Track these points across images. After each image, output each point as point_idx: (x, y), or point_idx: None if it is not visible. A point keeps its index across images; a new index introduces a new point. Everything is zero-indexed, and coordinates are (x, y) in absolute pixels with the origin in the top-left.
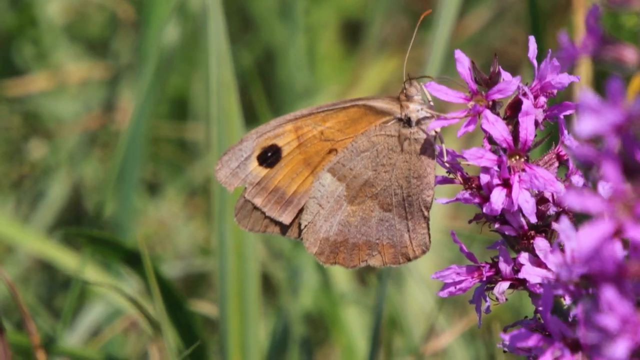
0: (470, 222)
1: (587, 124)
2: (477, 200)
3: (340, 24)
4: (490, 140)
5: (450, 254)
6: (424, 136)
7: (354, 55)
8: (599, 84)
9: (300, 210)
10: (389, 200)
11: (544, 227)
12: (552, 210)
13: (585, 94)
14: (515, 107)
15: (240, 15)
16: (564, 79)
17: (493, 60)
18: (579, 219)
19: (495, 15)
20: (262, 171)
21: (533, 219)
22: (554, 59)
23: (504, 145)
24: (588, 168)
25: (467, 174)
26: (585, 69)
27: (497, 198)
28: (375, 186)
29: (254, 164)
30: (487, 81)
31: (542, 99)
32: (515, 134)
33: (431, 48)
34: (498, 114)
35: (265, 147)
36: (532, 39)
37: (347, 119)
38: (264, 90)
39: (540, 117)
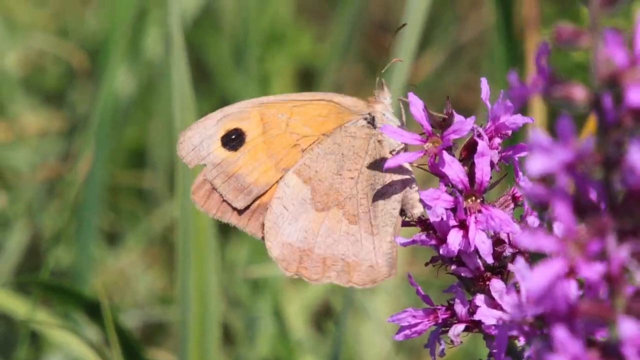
0: (427, 264)
1: (537, 163)
2: (433, 242)
3: (294, 72)
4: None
5: (408, 300)
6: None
7: None
8: (553, 124)
9: (256, 200)
10: (354, 210)
11: (500, 268)
12: (508, 251)
13: (535, 133)
14: (470, 149)
15: (196, 65)
16: (518, 119)
17: (446, 103)
18: (535, 259)
19: (449, 60)
20: (224, 153)
21: (489, 260)
22: (506, 100)
23: (460, 186)
24: (543, 208)
25: (423, 216)
26: (539, 109)
27: (454, 239)
28: (340, 192)
29: (216, 144)
30: (441, 124)
31: (497, 140)
32: (470, 175)
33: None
34: (453, 156)
35: (229, 129)
36: (484, 81)
37: (315, 114)
38: None
39: (496, 158)
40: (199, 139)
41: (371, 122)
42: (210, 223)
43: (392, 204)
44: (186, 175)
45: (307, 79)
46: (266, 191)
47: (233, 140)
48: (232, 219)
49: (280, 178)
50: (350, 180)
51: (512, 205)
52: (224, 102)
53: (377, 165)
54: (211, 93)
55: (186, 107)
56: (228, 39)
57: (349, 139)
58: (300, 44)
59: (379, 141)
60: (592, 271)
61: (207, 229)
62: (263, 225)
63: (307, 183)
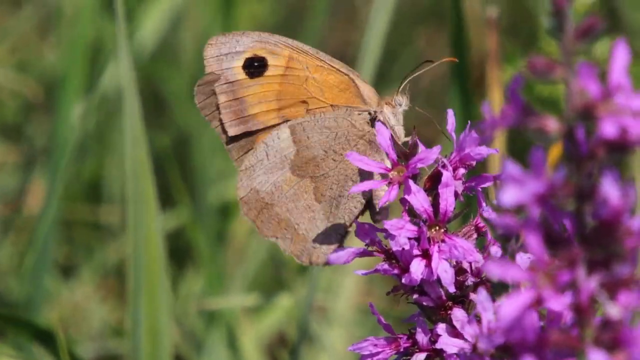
0: (388, 293)
1: (509, 194)
2: (396, 271)
3: None
4: (410, 211)
5: (363, 332)
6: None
7: None
8: (513, 155)
9: (247, 134)
10: (323, 190)
11: (461, 297)
12: (470, 280)
13: (508, 164)
14: (434, 179)
15: (153, 98)
16: (483, 150)
17: (412, 133)
18: (497, 290)
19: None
20: (241, 75)
21: (452, 289)
22: (472, 131)
23: (424, 216)
24: (507, 239)
25: (385, 246)
26: (499, 140)
27: (417, 268)
28: (319, 168)
29: (239, 63)
30: (406, 153)
31: (461, 171)
32: (435, 205)
33: None
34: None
35: (257, 55)
36: (450, 112)
37: (333, 84)
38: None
39: (460, 189)
40: (227, 50)
41: (372, 120)
42: (161, 256)
43: (354, 202)
44: (138, 210)
45: None
46: (259, 130)
47: (255, 67)
48: (218, 129)
49: (277, 125)
50: (332, 161)
51: (475, 236)
52: (181, 134)
53: None
54: (168, 125)
55: (138, 144)
56: (185, 72)
57: (348, 125)
58: None
59: (369, 141)
60: (561, 302)
61: (158, 262)
62: (240, 158)
63: (295, 144)
